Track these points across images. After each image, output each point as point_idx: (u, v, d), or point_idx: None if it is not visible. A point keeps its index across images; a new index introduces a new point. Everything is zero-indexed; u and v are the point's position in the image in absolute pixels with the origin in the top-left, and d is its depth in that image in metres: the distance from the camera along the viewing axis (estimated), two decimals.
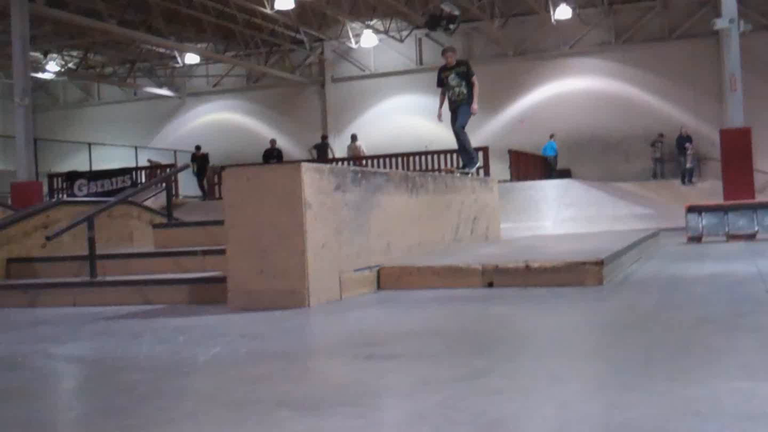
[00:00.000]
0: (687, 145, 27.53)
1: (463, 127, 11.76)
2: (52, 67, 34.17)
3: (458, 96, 11.69)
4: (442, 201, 9.66)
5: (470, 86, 11.66)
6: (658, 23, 30.62)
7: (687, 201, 15.77)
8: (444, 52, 12.04)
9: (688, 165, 27.51)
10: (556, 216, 19.98)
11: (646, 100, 30.54)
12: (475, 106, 11.62)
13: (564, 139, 29.91)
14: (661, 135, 29.40)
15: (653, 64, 30.30)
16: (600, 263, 6.82)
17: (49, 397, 4.02)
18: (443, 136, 31.50)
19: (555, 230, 18.11)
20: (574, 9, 29.79)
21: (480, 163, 12.53)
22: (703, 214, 12.82)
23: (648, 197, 23.31)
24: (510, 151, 25.14)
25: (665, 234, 13.59)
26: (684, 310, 5.52)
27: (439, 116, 12.20)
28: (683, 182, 27.23)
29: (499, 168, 24.35)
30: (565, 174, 27.54)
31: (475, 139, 30.12)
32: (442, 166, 23.32)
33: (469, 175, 11.55)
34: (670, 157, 30.06)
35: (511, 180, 23.80)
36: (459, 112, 11.71)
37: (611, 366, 3.78)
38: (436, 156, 24.01)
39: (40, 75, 33.79)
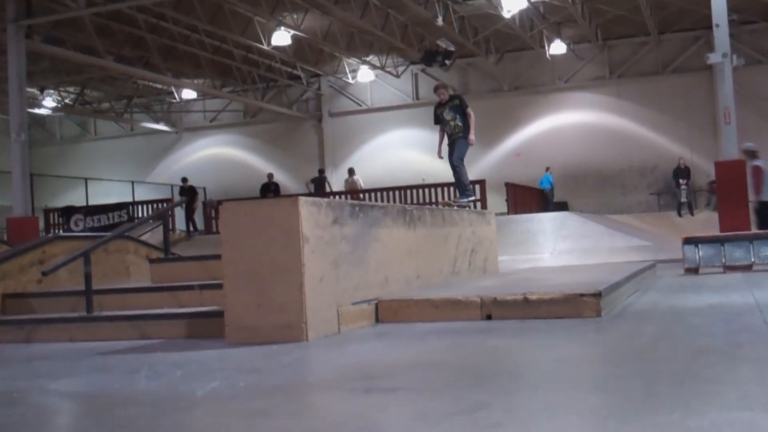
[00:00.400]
0: (681, 181, 27.57)
1: (461, 160, 11.79)
2: (48, 103, 34.29)
3: (454, 129, 11.75)
4: (439, 234, 9.67)
5: (465, 118, 11.71)
6: (652, 58, 30.85)
7: (683, 233, 15.78)
8: (436, 90, 12.14)
9: (683, 199, 27.54)
10: (554, 248, 19.98)
11: (641, 133, 30.69)
12: (472, 136, 11.67)
13: (560, 172, 30.01)
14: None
15: (648, 98, 30.49)
16: (598, 295, 6.81)
17: None
18: (440, 169, 31.61)
19: (552, 262, 18.09)
20: (568, 44, 30.01)
21: (475, 197, 12.41)
22: (699, 245, 12.83)
23: (645, 229, 23.33)
24: (507, 184, 25.19)
25: (662, 265, 13.60)
26: (683, 342, 5.51)
27: (439, 153, 12.28)
28: (679, 215, 27.28)
29: (496, 201, 24.38)
30: (562, 206, 27.56)
31: (472, 172, 30.12)
32: (439, 199, 23.32)
33: (466, 207, 11.51)
34: (666, 189, 30.14)
35: (509, 213, 23.81)
36: (455, 145, 11.74)
37: (611, 398, 3.76)
38: (433, 189, 24.03)
39: (36, 111, 33.92)
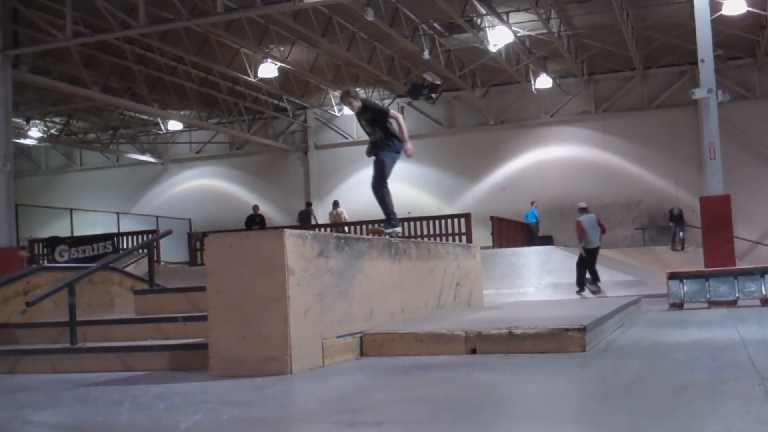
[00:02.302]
0: (676, 227, 27.62)
1: (382, 180, 9.64)
2: (34, 133, 34.23)
3: (376, 143, 9.68)
4: (425, 267, 9.68)
5: (385, 128, 9.59)
6: (638, 93, 31.13)
7: (669, 268, 15.85)
8: (342, 99, 9.97)
9: (680, 235, 27.62)
10: (539, 282, 20.01)
11: (626, 167, 30.87)
12: (407, 145, 9.62)
13: (546, 206, 30.16)
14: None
15: (633, 133, 30.71)
16: (583, 330, 6.83)
17: None
18: (425, 202, 31.78)
19: (537, 296, 18.10)
20: (554, 79, 30.25)
21: (400, 230, 9.97)
22: (684, 281, 12.89)
23: (630, 264, 23.41)
24: (492, 218, 25.26)
25: (647, 300, 13.64)
26: (667, 377, 5.52)
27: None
28: (673, 248, 27.34)
29: (482, 234, 24.43)
30: (547, 241, 27.64)
31: (458, 206, 30.39)
32: (418, 232, 23.35)
33: (389, 237, 9.27)
34: (651, 224, 30.30)
35: (494, 246, 23.86)
36: (376, 162, 9.67)
37: None
38: (418, 222, 24.05)
39: (22, 141, 33.85)
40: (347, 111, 33.34)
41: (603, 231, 18.41)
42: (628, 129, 30.84)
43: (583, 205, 18.89)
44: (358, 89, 9.77)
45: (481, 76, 31.57)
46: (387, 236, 9.19)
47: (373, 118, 9.64)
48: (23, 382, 6.99)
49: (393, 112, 9.86)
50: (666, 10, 24.84)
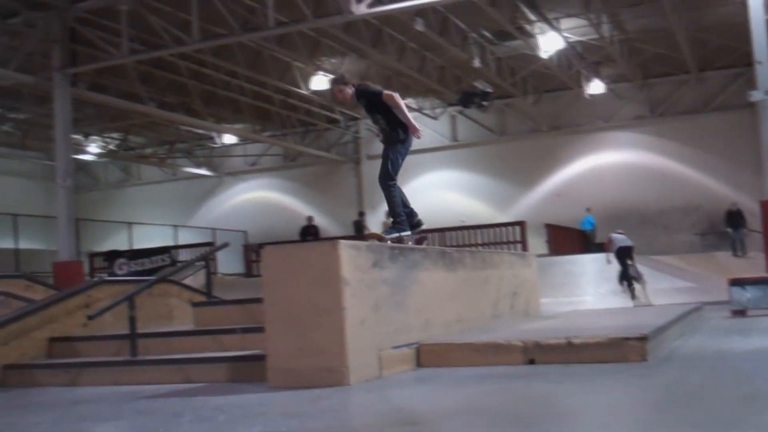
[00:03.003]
0: (736, 236, 26.95)
1: (390, 176, 8.56)
2: (93, 149, 34.83)
3: (382, 132, 8.59)
4: (480, 276, 9.62)
5: (387, 113, 8.37)
6: (693, 96, 30.63)
7: (729, 274, 15.55)
8: (331, 92, 8.79)
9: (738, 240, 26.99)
10: (597, 290, 19.78)
11: (683, 172, 30.39)
12: (414, 124, 8.44)
13: (601, 213, 29.78)
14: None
15: (689, 137, 30.23)
16: (643, 339, 6.71)
17: None
18: (479, 211, 31.65)
19: (596, 305, 17.90)
20: (607, 84, 29.93)
21: (408, 232, 8.62)
22: (746, 287, 12.61)
23: (689, 270, 23.02)
24: (547, 225, 25.05)
25: (708, 308, 13.38)
26: (731, 387, 5.41)
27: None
28: (734, 254, 26.72)
29: (537, 242, 24.25)
30: (603, 248, 27.32)
31: (512, 214, 30.20)
32: (472, 241, 23.29)
33: (390, 240, 8.33)
34: (710, 229, 29.76)
35: (549, 254, 23.66)
36: (383, 155, 8.60)
37: None
38: (472, 231, 23.95)
39: (81, 156, 34.48)
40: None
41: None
42: (684, 133, 30.36)
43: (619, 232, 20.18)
44: (362, 81, 9.05)
45: (533, 83, 31.37)
46: (387, 242, 8.05)
47: (369, 104, 8.38)
48: (85, 395, 7.11)
49: (386, 92, 8.26)
50: (720, 11, 24.43)
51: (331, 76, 9.12)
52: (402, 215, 8.63)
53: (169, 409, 5.94)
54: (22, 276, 14.89)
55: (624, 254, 19.09)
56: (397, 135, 8.43)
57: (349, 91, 8.29)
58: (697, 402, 4.86)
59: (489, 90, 27.87)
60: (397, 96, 8.31)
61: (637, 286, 18.73)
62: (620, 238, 19.40)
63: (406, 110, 8.39)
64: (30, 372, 8.35)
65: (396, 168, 8.56)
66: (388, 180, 8.53)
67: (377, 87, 8.49)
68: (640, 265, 19.65)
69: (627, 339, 6.76)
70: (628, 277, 18.90)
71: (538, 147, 32.02)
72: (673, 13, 22.72)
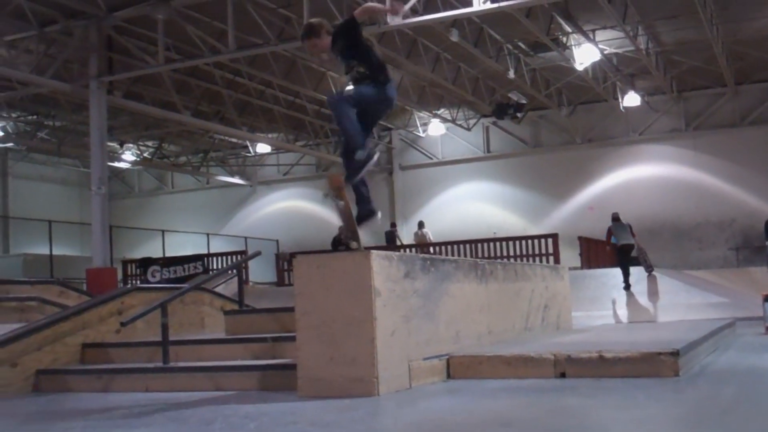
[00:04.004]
0: None
1: (339, 95, 7.03)
2: (128, 157, 35.18)
3: (358, 75, 6.95)
4: (512, 289, 9.59)
5: (366, 54, 6.91)
6: (730, 109, 30.33)
7: (764, 289, 15.35)
8: (303, 43, 7.15)
9: None
10: (629, 304, 19.62)
11: (719, 186, 30.07)
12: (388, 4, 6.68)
13: (635, 226, 29.30)
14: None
15: (726, 151, 29.92)
16: (676, 354, 6.65)
17: None
18: (511, 223, 31.54)
19: (627, 319, 17.78)
20: (642, 96, 29.73)
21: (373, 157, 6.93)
22: None
23: (723, 285, 22.76)
24: (580, 238, 24.89)
25: (742, 323, 13.23)
26: (764, 403, 5.34)
27: None
28: None
29: (570, 255, 24.10)
30: (637, 261, 27.09)
31: (545, 226, 30.05)
32: (504, 253, 23.25)
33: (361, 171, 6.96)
34: (745, 244, 29.41)
35: (582, 267, 23.50)
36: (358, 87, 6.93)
37: None
38: (504, 243, 23.87)
39: (116, 164, 34.83)
40: (431, 132, 33.43)
41: (633, 234, 20.82)
42: (720, 146, 30.06)
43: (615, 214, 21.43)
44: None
45: (567, 95, 31.25)
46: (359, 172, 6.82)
47: (346, 45, 6.87)
48: (117, 401, 7.16)
49: (357, 11, 6.83)
50: (757, 24, 24.22)
51: (301, 30, 7.32)
52: (359, 139, 6.75)
53: (199, 416, 5.97)
54: (56, 282, 15.08)
55: (624, 253, 20.12)
56: (379, 79, 6.85)
57: (326, 40, 6.86)
58: (730, 418, 4.80)
59: (523, 101, 27.84)
60: (369, 5, 7.02)
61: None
62: (621, 232, 20.46)
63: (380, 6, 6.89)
64: (63, 377, 8.43)
65: (358, 97, 6.76)
66: (340, 98, 6.82)
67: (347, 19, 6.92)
68: (675, 279, 19.54)
69: (659, 354, 6.70)
70: (627, 279, 19.85)
71: (572, 159, 31.86)
72: (710, 26, 22.54)
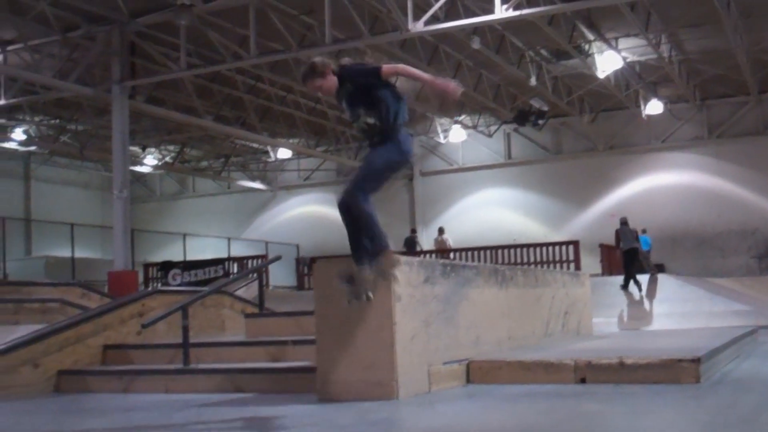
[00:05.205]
0: None
1: (356, 190, 5.91)
2: (149, 161, 35.39)
3: (369, 129, 5.95)
4: (532, 295, 9.56)
5: (382, 106, 5.84)
6: (753, 118, 30.13)
7: None
8: (304, 83, 6.10)
9: None
10: (650, 311, 19.52)
11: (741, 194, 29.87)
12: (439, 81, 5.80)
13: (657, 234, 29.35)
14: None
15: (749, 159, 29.71)
16: (697, 361, 6.61)
17: None
18: (532, 229, 31.44)
19: (649, 326, 17.68)
20: (665, 104, 29.60)
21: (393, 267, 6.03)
22: None
23: (745, 293, 22.59)
24: (601, 246, 24.79)
25: (764, 331, 13.13)
26: None
27: None
28: None
29: (590, 262, 24.01)
30: (658, 269, 26.96)
31: (566, 233, 29.96)
32: (525, 259, 23.26)
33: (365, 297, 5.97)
34: (767, 252, 29.20)
35: (603, 274, 23.41)
36: (368, 155, 6.05)
37: None
38: (525, 249, 23.82)
39: (138, 168, 35.05)
40: (453, 139, 33.42)
41: (636, 238, 21.35)
42: (743, 155, 29.85)
43: (623, 218, 21.79)
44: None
45: (589, 102, 31.15)
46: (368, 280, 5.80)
47: (357, 90, 5.84)
48: (137, 402, 7.20)
49: (387, 66, 5.81)
50: None
51: (302, 70, 6.00)
52: (383, 237, 5.88)
53: (219, 418, 6.00)
54: (77, 284, 15.16)
55: (628, 257, 20.44)
56: (396, 135, 5.81)
57: (331, 80, 5.88)
58: (751, 426, 4.77)
59: (545, 108, 27.79)
60: (404, 66, 5.98)
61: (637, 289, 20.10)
62: (628, 234, 20.78)
63: (421, 72, 5.82)
64: (84, 378, 8.49)
65: (377, 182, 5.88)
66: (358, 194, 5.80)
67: (370, 65, 5.91)
68: (697, 287, 19.46)
69: (680, 361, 6.66)
70: (627, 280, 20.21)
71: (594, 166, 31.75)
72: (734, 34, 22.41)
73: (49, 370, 8.42)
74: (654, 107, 29.38)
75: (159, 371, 8.18)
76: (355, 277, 5.81)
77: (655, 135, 31.25)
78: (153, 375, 8.14)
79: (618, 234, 21.10)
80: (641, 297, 20.07)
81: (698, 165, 30.67)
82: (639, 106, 29.93)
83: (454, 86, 5.64)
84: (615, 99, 29.27)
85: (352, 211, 5.74)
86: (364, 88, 5.76)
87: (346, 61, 6.03)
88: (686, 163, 30.88)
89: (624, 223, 21.29)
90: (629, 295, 20.27)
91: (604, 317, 17.32)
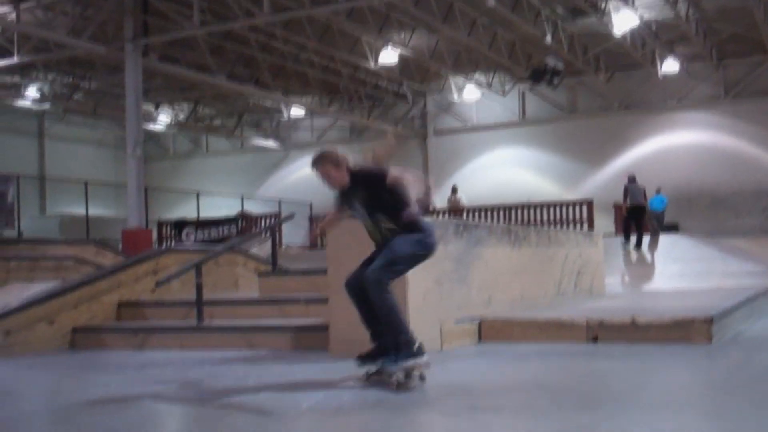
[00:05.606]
0: None
1: (382, 276, 5.29)
2: (163, 119, 35.37)
3: (388, 233, 5.46)
4: (545, 254, 9.55)
5: (397, 212, 5.26)
6: None
7: None
8: (316, 164, 5.82)
9: None
10: (663, 271, 19.48)
11: (757, 154, 29.65)
12: (422, 201, 5.50)
13: (671, 194, 29.20)
14: None
15: (765, 119, 29.41)
16: (710, 320, 6.61)
17: None
18: (546, 188, 31.35)
19: (662, 286, 17.64)
20: (681, 63, 29.29)
21: (421, 360, 5.11)
22: None
23: (759, 253, 22.51)
24: (615, 205, 24.71)
25: None
26: None
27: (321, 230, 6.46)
28: None
29: (604, 222, 23.96)
30: (672, 228, 26.87)
31: (580, 193, 29.84)
32: (538, 219, 23.24)
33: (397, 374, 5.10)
34: None
35: (616, 234, 23.35)
36: (388, 245, 5.42)
37: (722, 425, 3.65)
38: (538, 209, 23.77)
39: (151, 126, 35.03)
40: (466, 97, 33.21)
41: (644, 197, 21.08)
42: (760, 115, 29.58)
43: (631, 175, 21.50)
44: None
45: (605, 61, 30.86)
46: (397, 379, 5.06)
47: (371, 195, 5.50)
48: (152, 358, 7.27)
49: (394, 173, 5.36)
50: None
51: (317, 152, 5.87)
52: (409, 333, 5.25)
53: (233, 374, 6.05)
54: (92, 242, 15.25)
55: (635, 214, 20.32)
56: (417, 223, 5.38)
57: (342, 175, 5.64)
58: (763, 385, 4.78)
59: (560, 67, 27.53)
60: (411, 175, 5.38)
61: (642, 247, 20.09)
62: (636, 192, 20.57)
63: (420, 188, 5.35)
64: (99, 335, 8.56)
65: (400, 271, 5.48)
66: (382, 286, 5.27)
67: (379, 169, 5.55)
68: (710, 247, 19.39)
69: (693, 320, 6.67)
70: (628, 234, 20.25)
71: (609, 126, 31.54)
72: None
73: (64, 327, 8.49)
74: (670, 66, 29.09)
75: (173, 328, 8.24)
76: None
77: (670, 94, 30.98)
78: (167, 332, 8.20)
79: (626, 191, 20.95)
80: (642, 254, 20.13)
81: (714, 125, 30.43)
82: (655, 66, 29.63)
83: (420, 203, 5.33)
84: (631, 58, 28.99)
85: (372, 301, 5.29)
86: (379, 192, 5.40)
87: (354, 165, 5.72)
88: (702, 122, 30.65)
89: (632, 180, 21.13)
90: (631, 252, 20.33)
91: (617, 277, 17.31)
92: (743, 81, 30.21)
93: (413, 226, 5.33)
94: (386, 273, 5.26)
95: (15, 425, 4.44)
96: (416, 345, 5.09)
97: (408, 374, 4.95)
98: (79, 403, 5.05)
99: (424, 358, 5.08)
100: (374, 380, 5.07)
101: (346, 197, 5.73)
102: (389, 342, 5.15)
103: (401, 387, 4.81)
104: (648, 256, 20.41)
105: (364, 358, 5.28)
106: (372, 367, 5.08)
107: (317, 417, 4.36)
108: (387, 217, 5.40)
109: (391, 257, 5.29)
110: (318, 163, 5.72)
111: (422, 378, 4.97)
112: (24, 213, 27.15)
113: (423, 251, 5.45)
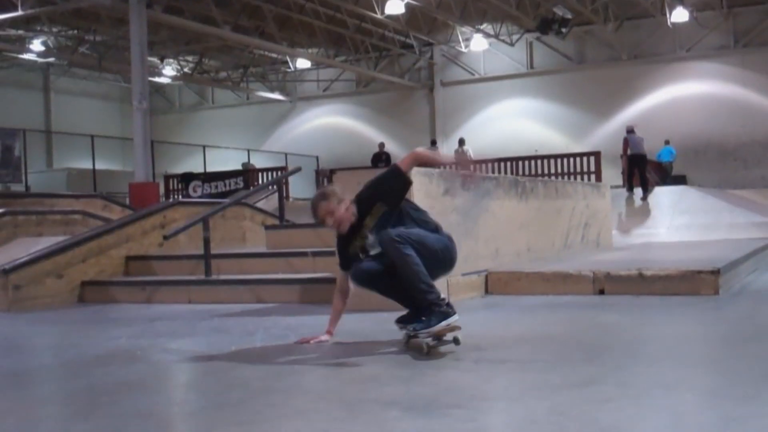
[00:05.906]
0: None
1: (406, 244, 4.74)
2: (168, 72, 35.18)
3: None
4: (552, 206, 9.54)
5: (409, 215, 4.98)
6: None
7: None
8: (317, 209, 5.04)
9: None
10: (671, 223, 19.46)
11: (766, 105, 29.45)
12: (465, 172, 5.80)
13: (679, 145, 29.07)
14: None
15: None
16: (716, 272, 6.62)
17: (167, 391, 4.15)
18: (553, 140, 31.23)
19: (669, 238, 17.65)
20: (691, 12, 28.94)
21: (452, 320, 4.65)
22: None
23: (767, 205, 22.46)
24: (623, 156, 24.62)
25: None
26: None
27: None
28: None
29: (612, 174, 23.86)
30: (680, 180, 26.78)
31: (587, 144, 29.72)
32: (546, 171, 23.21)
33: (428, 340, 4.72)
34: None
35: (624, 186, 23.29)
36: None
37: (727, 377, 3.67)
38: (546, 161, 23.69)
39: (157, 79, 34.87)
40: (474, 48, 32.92)
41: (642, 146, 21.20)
42: None
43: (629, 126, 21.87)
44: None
45: (614, 10, 30.52)
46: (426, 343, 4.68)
47: (384, 215, 4.95)
48: (160, 312, 7.32)
49: (404, 162, 5.07)
50: None
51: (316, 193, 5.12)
52: (437, 293, 4.82)
53: (241, 327, 6.09)
54: (99, 196, 15.27)
55: (636, 162, 20.62)
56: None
57: (351, 209, 4.99)
58: None
59: (568, 16, 27.26)
60: (419, 152, 5.15)
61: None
62: (636, 142, 20.76)
63: (440, 157, 4.64)
64: (107, 289, 8.62)
65: (417, 249, 4.77)
66: (404, 243, 4.74)
67: (388, 170, 5.16)
68: (718, 199, 19.36)
69: (699, 272, 6.68)
70: (631, 184, 20.57)
71: (617, 76, 31.27)
72: None
73: (73, 281, 8.55)
74: (680, 15, 28.74)
75: (181, 282, 8.29)
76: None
77: (680, 44, 30.66)
78: (175, 286, 8.25)
79: (626, 141, 21.13)
80: (647, 205, 20.23)
81: (723, 75, 30.16)
82: (664, 14, 29.29)
83: (477, 176, 5.15)
84: (640, 6, 28.67)
85: (394, 259, 4.73)
86: (394, 207, 4.93)
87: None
88: (711, 72, 30.37)
89: (630, 131, 21.30)
90: (632, 201, 20.43)
91: (624, 229, 17.32)
92: (753, 30, 29.87)
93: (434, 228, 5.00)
94: (410, 240, 4.73)
95: (26, 379, 4.49)
96: (444, 306, 4.70)
97: (439, 338, 4.71)
98: (90, 356, 5.09)
99: (454, 317, 4.66)
100: (413, 344, 4.84)
101: (356, 235, 5.04)
102: (422, 304, 4.75)
103: (432, 351, 4.59)
104: (652, 208, 20.39)
105: (401, 322, 4.99)
106: (411, 331, 4.81)
107: (325, 369, 4.40)
108: (397, 217, 4.90)
109: (420, 239, 4.79)
110: (317, 206, 5.00)
111: (456, 341, 4.67)
112: (31, 167, 27.20)
113: (445, 256, 5.01)
